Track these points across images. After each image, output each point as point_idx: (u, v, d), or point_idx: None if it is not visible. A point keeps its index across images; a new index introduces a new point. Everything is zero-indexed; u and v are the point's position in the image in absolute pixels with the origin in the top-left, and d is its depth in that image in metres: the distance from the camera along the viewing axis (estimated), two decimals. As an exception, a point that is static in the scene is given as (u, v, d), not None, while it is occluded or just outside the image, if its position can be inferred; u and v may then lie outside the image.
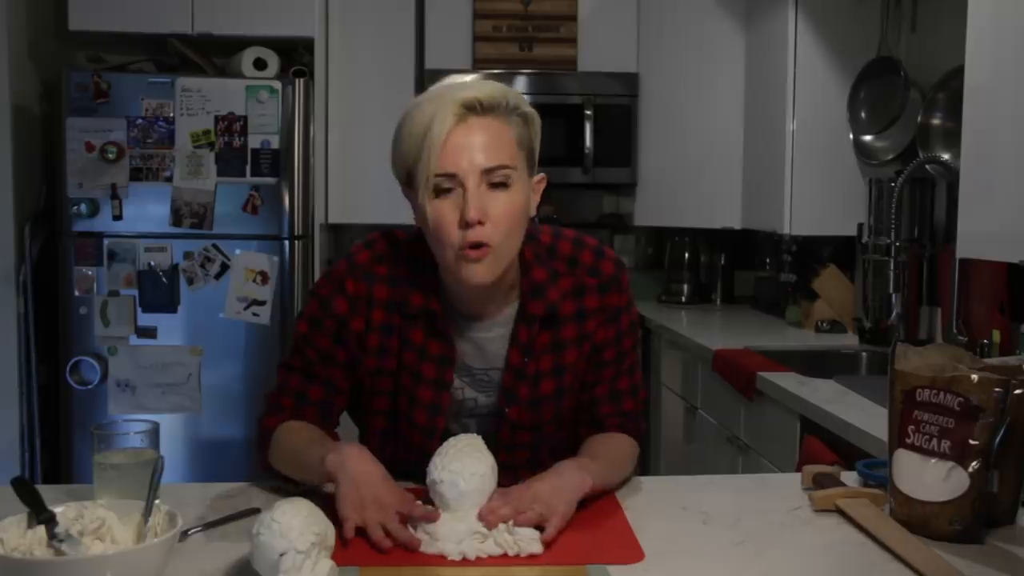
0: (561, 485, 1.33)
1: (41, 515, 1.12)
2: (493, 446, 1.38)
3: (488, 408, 1.54)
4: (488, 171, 1.35)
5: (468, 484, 1.30)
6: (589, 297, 1.52)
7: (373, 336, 1.49)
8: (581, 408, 1.58)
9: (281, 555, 1.09)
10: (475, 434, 1.41)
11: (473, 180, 1.34)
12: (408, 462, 1.48)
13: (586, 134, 3.96)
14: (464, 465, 1.31)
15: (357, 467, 1.31)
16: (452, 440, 1.37)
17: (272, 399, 1.55)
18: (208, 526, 1.35)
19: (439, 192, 1.36)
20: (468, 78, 1.41)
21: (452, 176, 1.34)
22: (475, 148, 1.34)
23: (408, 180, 1.41)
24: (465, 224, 1.34)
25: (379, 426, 1.55)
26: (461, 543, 1.25)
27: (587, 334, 1.52)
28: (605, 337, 1.54)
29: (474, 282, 1.39)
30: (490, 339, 1.50)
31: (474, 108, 1.35)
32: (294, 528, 1.10)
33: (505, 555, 1.25)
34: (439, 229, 1.37)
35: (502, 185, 1.36)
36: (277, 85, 3.33)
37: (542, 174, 1.48)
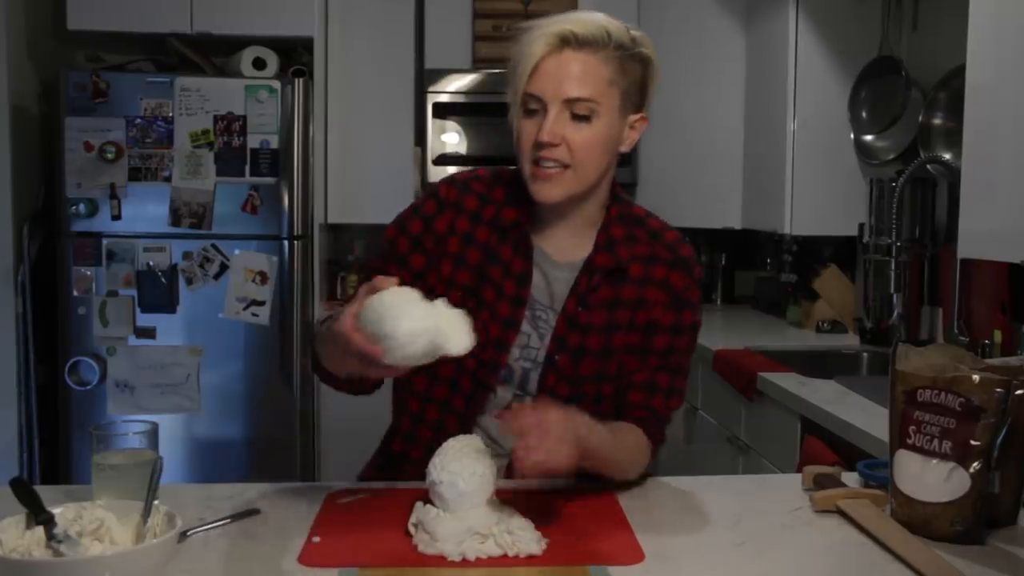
0: (569, 422, 1.29)
1: (40, 516, 1.12)
2: (531, 393, 1.47)
3: (536, 352, 1.53)
4: (570, 101, 1.41)
5: (468, 484, 1.30)
6: (657, 267, 1.55)
7: (454, 240, 1.52)
8: (614, 392, 1.57)
9: None
10: (474, 435, 1.41)
11: (555, 107, 1.41)
12: (463, 379, 1.49)
13: (586, 134, 3.94)
14: (463, 465, 1.31)
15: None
16: (451, 440, 1.37)
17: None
18: (207, 527, 1.34)
19: (527, 112, 1.44)
20: (582, 12, 1.47)
21: (538, 99, 1.42)
22: (562, 77, 1.40)
23: (511, 96, 1.47)
24: (539, 145, 1.42)
25: None
26: (461, 544, 1.25)
27: (645, 301, 1.54)
28: (663, 320, 1.55)
29: (541, 197, 1.46)
30: (557, 279, 1.53)
31: (569, 41, 1.41)
32: None
33: (505, 555, 1.25)
34: (520, 143, 1.45)
35: (584, 118, 1.42)
36: (276, 85, 3.32)
37: (643, 114, 1.51)
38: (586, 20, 1.42)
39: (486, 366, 1.50)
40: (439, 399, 1.54)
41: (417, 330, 1.20)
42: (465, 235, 1.52)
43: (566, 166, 1.43)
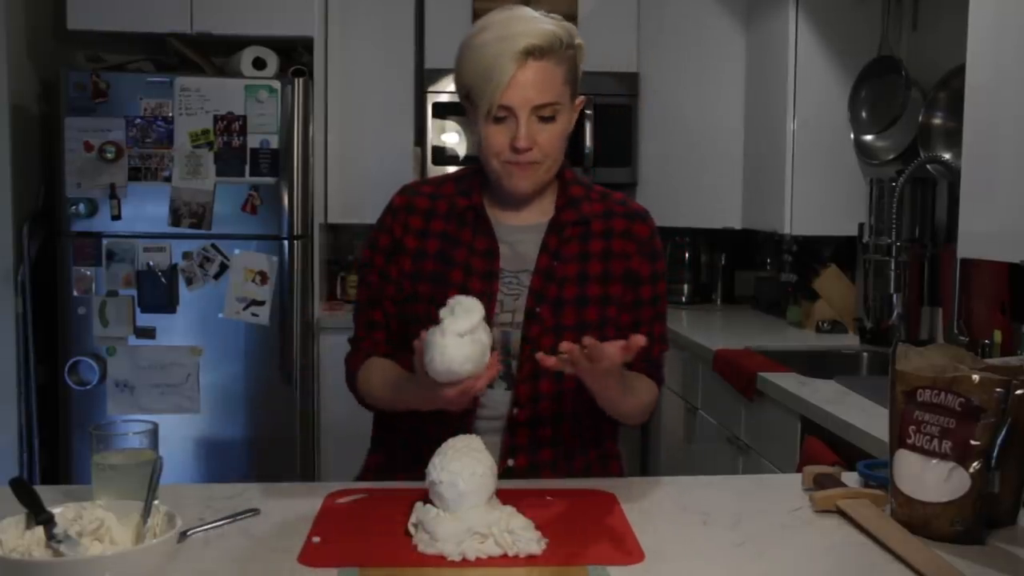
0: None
1: (40, 516, 1.12)
2: (518, 351, 1.57)
3: (512, 315, 1.62)
4: (538, 107, 1.54)
5: (467, 484, 1.30)
6: (616, 220, 1.68)
7: (410, 238, 1.65)
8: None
9: None
10: (474, 435, 1.41)
11: (524, 113, 1.53)
12: None
13: (586, 134, 3.95)
14: (463, 465, 1.31)
15: (417, 402, 1.50)
16: (451, 440, 1.37)
17: (353, 338, 1.71)
18: (207, 527, 1.34)
19: (496, 120, 1.55)
20: (527, 14, 1.57)
21: (508, 108, 1.53)
22: (529, 87, 1.52)
23: (467, 98, 1.59)
24: (515, 150, 1.55)
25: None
26: (461, 544, 1.25)
27: (613, 252, 1.66)
28: (642, 272, 1.67)
29: (518, 191, 1.60)
30: (523, 242, 1.64)
31: (532, 53, 1.52)
32: None
33: (505, 555, 1.25)
34: (491, 146, 1.56)
35: (550, 119, 1.56)
36: (276, 85, 3.32)
37: (582, 96, 1.66)
38: (541, 30, 1.53)
39: None
40: None
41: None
42: (420, 230, 1.65)
43: (535, 163, 1.57)
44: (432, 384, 1.38)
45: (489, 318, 1.53)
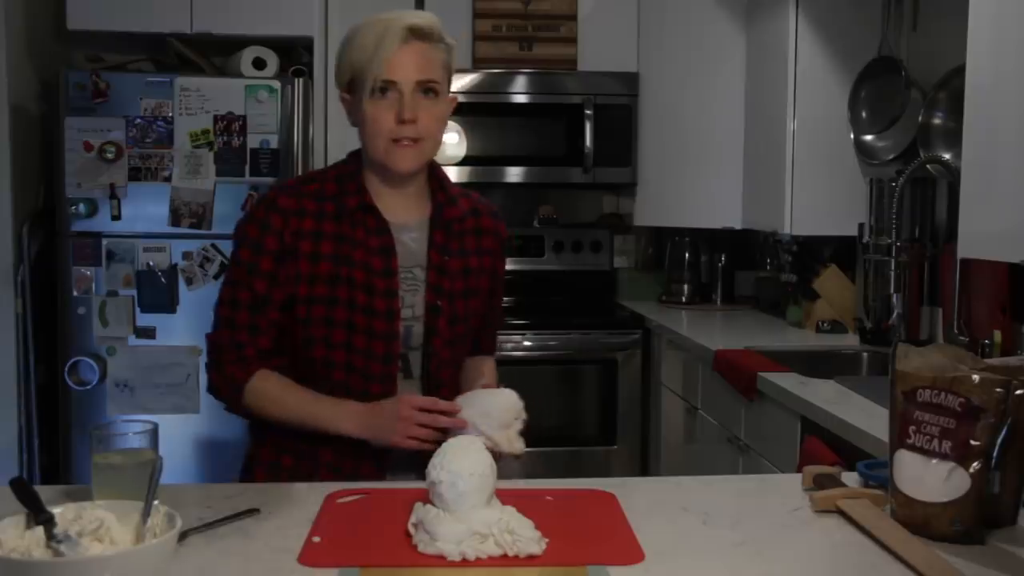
0: None
1: (39, 516, 1.12)
2: (428, 344, 1.70)
3: (417, 306, 1.72)
4: (421, 82, 1.63)
5: (468, 484, 1.30)
6: (484, 218, 1.82)
7: (305, 242, 1.66)
8: (479, 326, 1.84)
9: None
10: (474, 436, 1.42)
11: (409, 88, 1.62)
12: (372, 363, 1.67)
13: (586, 134, 3.95)
14: (463, 465, 1.31)
15: (364, 422, 1.62)
16: (452, 440, 1.38)
17: (224, 339, 1.69)
18: (207, 527, 1.34)
19: (381, 92, 1.62)
20: (412, 11, 1.68)
21: (393, 83, 1.62)
22: (412, 64, 1.62)
23: (349, 87, 1.69)
24: (401, 121, 1.62)
25: (323, 348, 1.67)
26: (461, 543, 1.25)
27: (484, 248, 1.80)
28: (499, 265, 1.86)
29: (402, 167, 1.66)
30: (412, 239, 1.72)
31: (415, 33, 1.62)
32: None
33: (505, 555, 1.25)
34: (376, 123, 1.63)
35: (432, 92, 1.65)
36: (276, 85, 3.32)
37: (455, 95, 1.75)
38: (422, 14, 1.66)
39: (384, 337, 1.67)
40: (359, 368, 1.67)
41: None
42: (313, 233, 1.67)
43: (417, 140, 1.64)
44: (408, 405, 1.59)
45: (396, 310, 1.68)
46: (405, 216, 1.72)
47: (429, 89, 1.64)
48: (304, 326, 1.66)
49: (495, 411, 1.59)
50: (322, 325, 1.65)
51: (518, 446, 1.59)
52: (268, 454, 1.75)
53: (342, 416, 1.63)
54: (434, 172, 1.76)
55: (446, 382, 1.75)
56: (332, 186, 1.71)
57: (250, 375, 1.67)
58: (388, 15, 1.63)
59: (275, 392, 1.67)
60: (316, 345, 1.66)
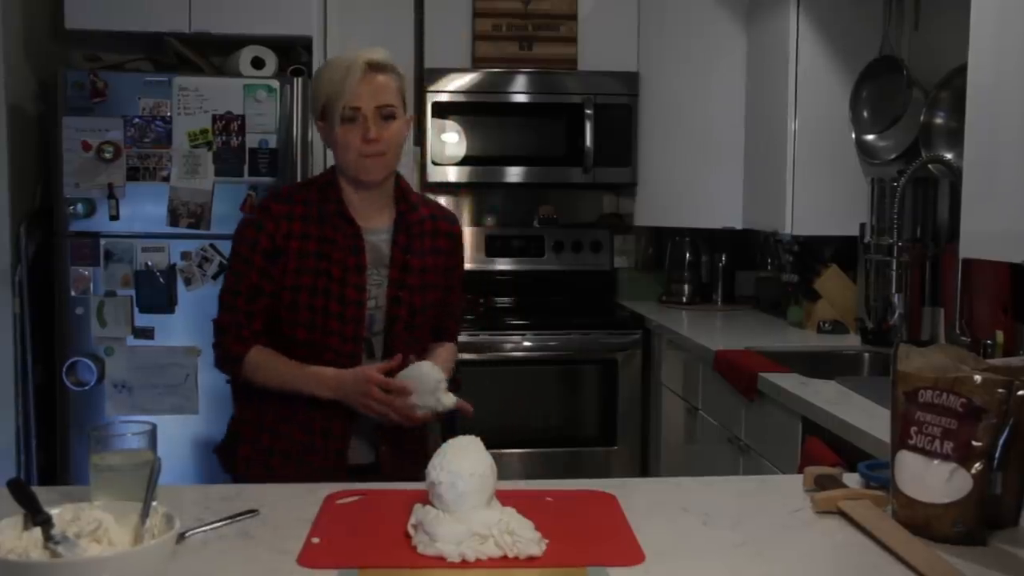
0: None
1: (37, 517, 1.12)
2: (390, 333, 1.98)
3: (380, 297, 1.99)
4: (381, 107, 1.93)
5: (468, 485, 1.30)
6: (441, 222, 2.11)
7: (294, 242, 1.95)
8: (437, 315, 2.11)
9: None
10: (474, 436, 1.41)
11: (371, 111, 1.92)
12: (331, 338, 1.95)
13: (586, 134, 3.95)
14: (463, 466, 1.31)
15: (334, 386, 1.92)
16: (452, 440, 1.38)
17: (226, 321, 2.00)
18: (206, 528, 1.34)
19: (349, 120, 1.92)
20: (368, 49, 1.96)
21: (358, 109, 1.91)
22: (373, 92, 1.92)
23: (322, 115, 1.96)
24: (367, 140, 1.91)
25: (304, 330, 1.96)
26: (460, 544, 1.25)
27: (440, 249, 2.08)
28: (457, 262, 2.15)
29: (371, 177, 1.96)
30: (379, 242, 2.00)
31: (374, 66, 1.93)
32: None
33: (505, 556, 1.25)
34: (347, 143, 1.93)
35: (391, 117, 1.95)
36: (275, 84, 3.32)
37: (411, 115, 2.08)
38: (376, 51, 1.95)
39: (353, 321, 1.96)
40: (333, 347, 1.95)
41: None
42: (301, 234, 1.96)
43: (382, 154, 1.94)
44: (367, 380, 1.89)
45: (363, 300, 1.97)
46: (374, 221, 2.01)
47: (388, 114, 1.93)
48: (289, 311, 1.95)
49: (422, 381, 1.89)
50: (304, 310, 1.95)
51: (447, 401, 1.91)
52: (252, 420, 2.08)
53: (318, 381, 1.93)
54: (398, 183, 2.05)
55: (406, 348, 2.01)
56: (315, 193, 2.01)
57: (248, 349, 1.97)
58: (349, 54, 1.94)
59: (267, 363, 1.97)
60: (299, 328, 1.96)
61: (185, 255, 3.31)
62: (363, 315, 1.97)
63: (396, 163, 2.01)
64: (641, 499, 1.51)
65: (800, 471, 1.62)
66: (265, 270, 1.95)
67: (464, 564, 1.23)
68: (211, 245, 3.31)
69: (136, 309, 3.30)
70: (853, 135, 3.33)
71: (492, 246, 4.24)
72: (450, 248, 2.12)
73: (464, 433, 1.41)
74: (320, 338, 1.95)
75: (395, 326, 2.00)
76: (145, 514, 1.15)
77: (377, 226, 2.01)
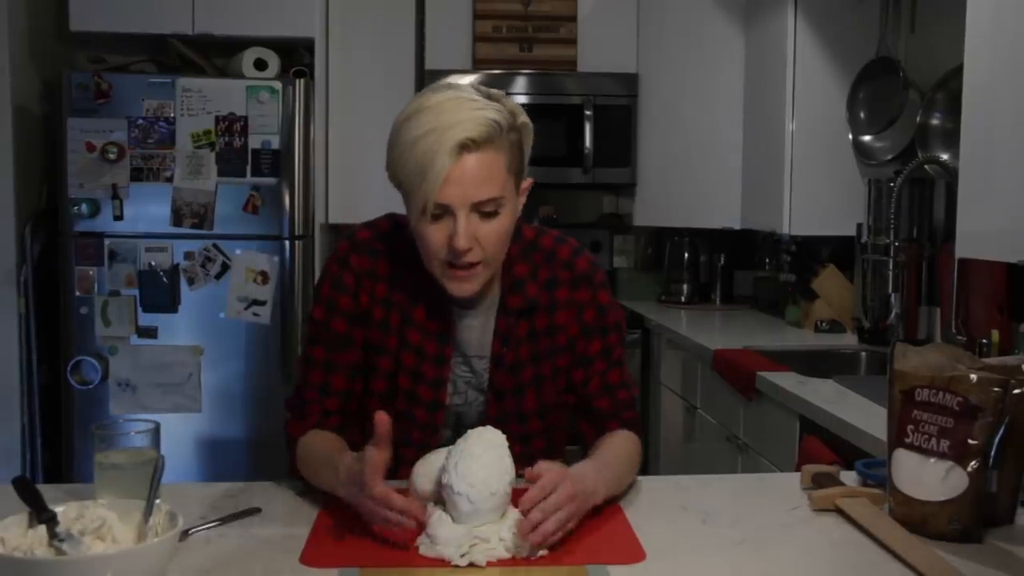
0: (579, 492, 1.31)
1: (42, 515, 1.13)
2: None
3: (477, 397, 1.60)
4: (478, 203, 1.41)
5: (485, 504, 1.26)
6: (560, 290, 1.59)
7: (378, 309, 1.56)
8: (578, 407, 1.64)
9: None
10: (496, 431, 1.34)
11: (464, 212, 1.41)
12: (407, 450, 1.51)
13: (586, 134, 3.96)
14: (481, 479, 1.27)
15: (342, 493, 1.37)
16: (473, 434, 1.32)
17: (295, 401, 1.63)
18: (209, 526, 1.35)
19: (434, 217, 1.42)
20: (463, 97, 1.43)
21: (445, 207, 1.41)
22: (467, 183, 1.39)
23: (399, 187, 1.47)
24: (454, 252, 1.42)
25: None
26: (462, 546, 1.25)
27: (557, 326, 1.59)
28: (586, 331, 1.60)
29: (459, 294, 1.49)
30: (474, 327, 1.57)
31: (467, 147, 1.39)
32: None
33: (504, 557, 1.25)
34: (429, 247, 1.45)
35: (492, 214, 1.43)
36: (277, 85, 3.33)
37: (529, 179, 1.53)
38: (477, 118, 1.39)
39: (423, 427, 1.57)
40: (415, 442, 1.55)
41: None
42: (384, 300, 1.56)
43: (475, 264, 1.45)
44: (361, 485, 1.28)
45: (441, 402, 1.57)
46: (475, 299, 1.55)
47: (489, 212, 1.42)
48: (360, 397, 1.60)
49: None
50: (374, 398, 1.58)
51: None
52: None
53: (335, 485, 1.40)
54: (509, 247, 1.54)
55: (516, 457, 1.37)
56: (402, 246, 1.55)
57: (304, 433, 1.58)
58: (438, 119, 1.39)
59: (308, 455, 1.54)
60: (368, 413, 1.47)
61: (188, 255, 3.32)
62: (437, 419, 1.57)
63: (497, 266, 1.51)
64: (641, 498, 1.51)
65: (798, 469, 1.63)
66: (349, 338, 1.57)
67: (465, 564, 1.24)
68: (214, 245, 3.32)
69: (140, 309, 3.32)
70: (850, 136, 3.34)
71: (493, 246, 4.24)
72: (571, 320, 1.59)
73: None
74: (396, 433, 1.40)
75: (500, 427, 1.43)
76: (148, 512, 1.15)
77: (479, 304, 1.56)
